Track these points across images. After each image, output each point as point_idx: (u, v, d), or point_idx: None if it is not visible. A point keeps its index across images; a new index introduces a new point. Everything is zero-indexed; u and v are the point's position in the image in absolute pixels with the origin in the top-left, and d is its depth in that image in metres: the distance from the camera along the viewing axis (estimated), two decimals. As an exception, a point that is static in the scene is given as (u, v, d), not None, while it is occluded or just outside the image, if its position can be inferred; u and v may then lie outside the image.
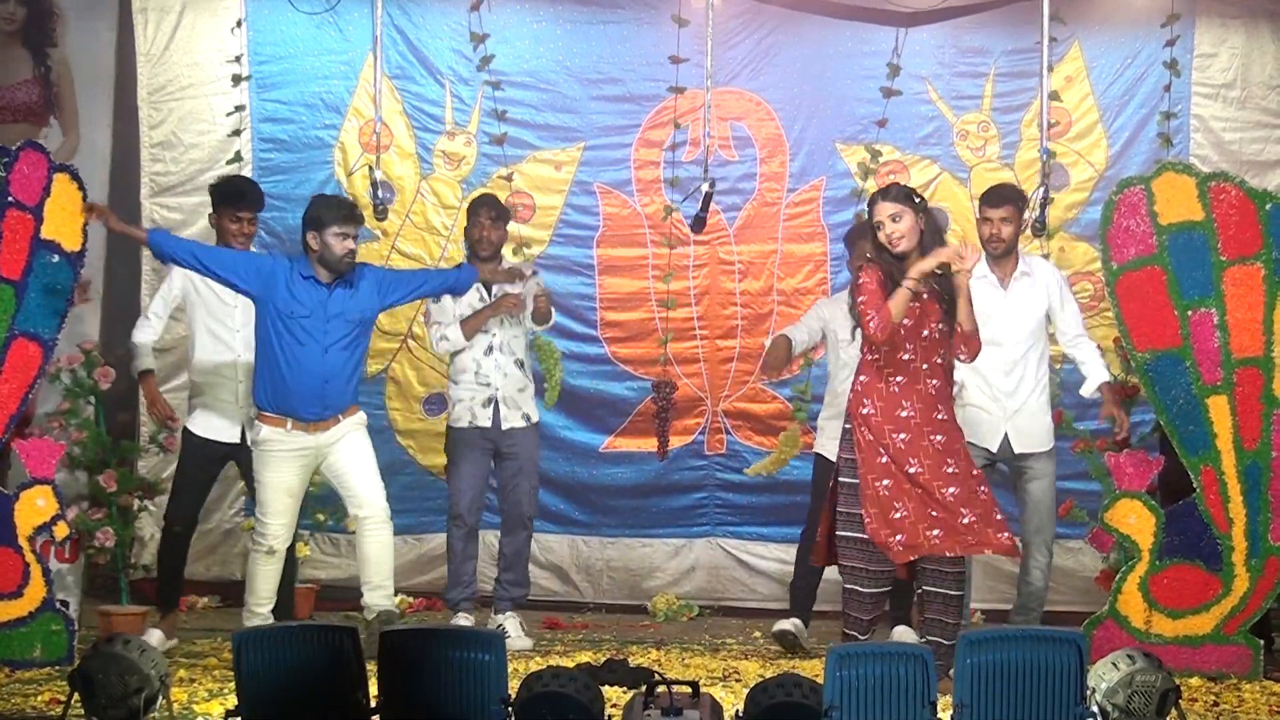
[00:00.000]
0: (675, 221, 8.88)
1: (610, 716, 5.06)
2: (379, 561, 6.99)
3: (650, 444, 8.80)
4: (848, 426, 6.43)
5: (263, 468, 6.89)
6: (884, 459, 6.30)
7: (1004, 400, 7.18)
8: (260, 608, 6.94)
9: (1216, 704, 6.35)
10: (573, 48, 8.97)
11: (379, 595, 6.98)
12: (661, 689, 4.90)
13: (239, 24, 8.68)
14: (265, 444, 6.87)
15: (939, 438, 6.33)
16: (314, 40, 8.84)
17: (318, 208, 6.88)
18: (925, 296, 6.31)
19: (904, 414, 6.32)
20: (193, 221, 8.70)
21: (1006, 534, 6.32)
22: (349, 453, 6.94)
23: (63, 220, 6.83)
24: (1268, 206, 6.87)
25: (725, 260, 8.93)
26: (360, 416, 7.02)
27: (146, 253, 8.66)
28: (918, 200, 6.37)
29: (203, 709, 5.84)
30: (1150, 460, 7.04)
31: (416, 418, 8.90)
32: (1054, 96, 8.43)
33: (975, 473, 6.39)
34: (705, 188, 7.72)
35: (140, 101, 8.66)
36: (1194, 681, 6.66)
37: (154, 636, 7.00)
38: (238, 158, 8.68)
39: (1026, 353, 7.21)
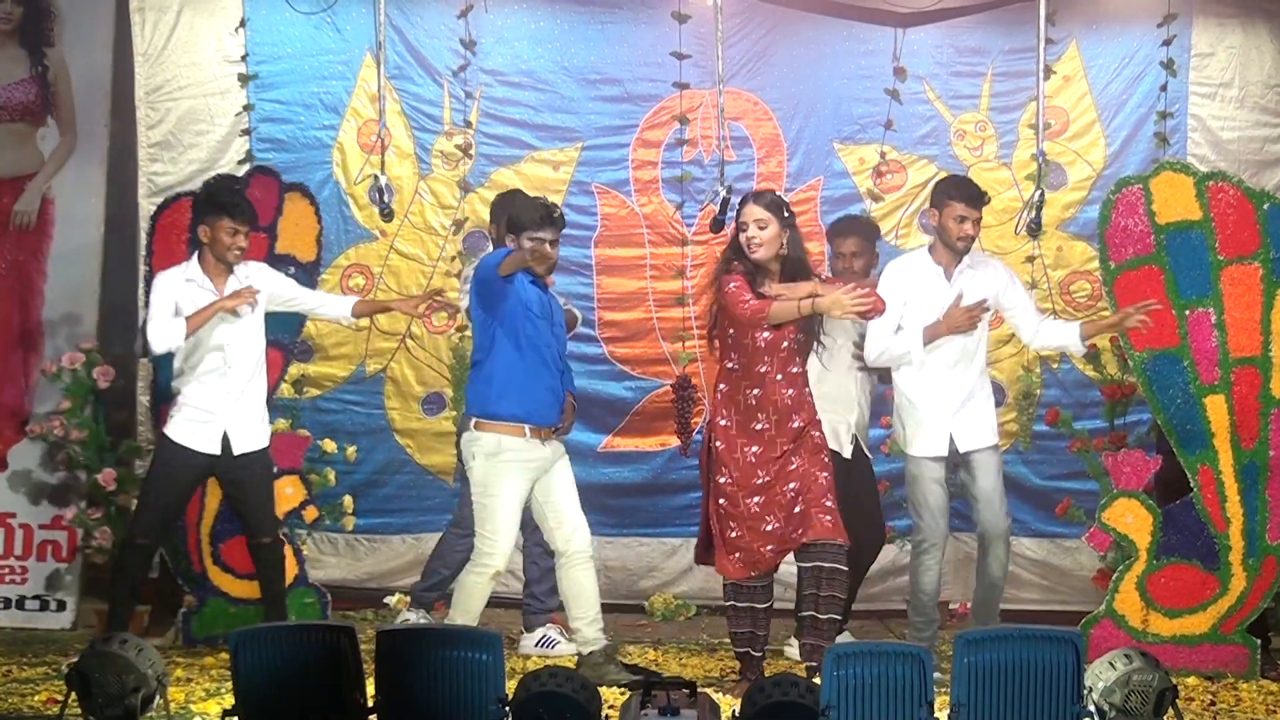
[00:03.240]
0: (673, 220, 8.89)
1: (607, 716, 5.06)
2: (590, 597, 6.71)
3: (647, 443, 8.82)
4: (720, 447, 6.44)
5: (497, 479, 6.54)
6: (725, 479, 6.38)
7: (949, 395, 6.96)
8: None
9: (1213, 703, 6.35)
10: (571, 48, 8.97)
11: (594, 629, 6.72)
12: (658, 689, 4.90)
13: (241, 24, 8.64)
14: (503, 454, 6.54)
15: (789, 445, 6.40)
16: (312, 40, 8.83)
17: (516, 209, 6.72)
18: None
19: (759, 426, 6.40)
20: (189, 221, 8.70)
21: (829, 517, 6.33)
22: (563, 478, 6.68)
23: (296, 235, 7.48)
24: (1265, 206, 6.88)
25: (723, 260, 8.91)
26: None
27: (144, 252, 8.65)
28: (787, 215, 6.46)
29: (200, 708, 5.85)
30: (1147, 460, 7.04)
31: (415, 417, 8.89)
32: (1050, 96, 8.44)
33: (825, 460, 6.43)
34: (723, 193, 7.68)
35: (138, 101, 8.64)
36: (1191, 681, 6.67)
37: None
38: (249, 158, 8.64)
39: (973, 346, 7.01)
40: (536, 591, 7.57)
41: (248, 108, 8.69)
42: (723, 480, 6.39)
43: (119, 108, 8.58)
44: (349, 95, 8.84)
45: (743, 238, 6.41)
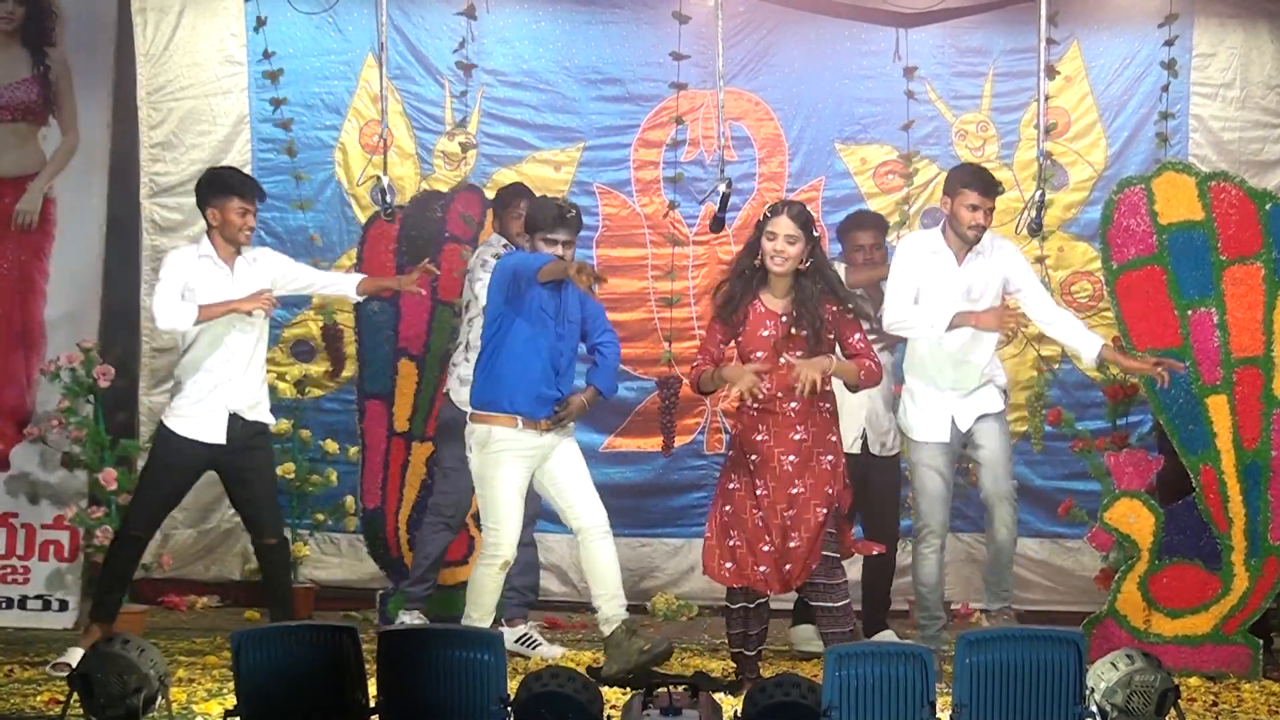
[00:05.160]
0: (674, 221, 8.88)
1: (609, 717, 5.06)
2: (609, 573, 6.75)
3: (649, 443, 8.80)
4: (732, 454, 6.44)
5: (493, 469, 6.60)
6: (734, 484, 6.38)
7: (955, 382, 6.91)
8: (484, 623, 6.63)
9: (1215, 704, 6.35)
10: (572, 48, 8.97)
11: (614, 605, 6.71)
12: (660, 689, 4.90)
13: (260, 22, 8.56)
14: (496, 444, 6.60)
15: (792, 458, 6.36)
16: (313, 41, 8.83)
17: (532, 210, 6.75)
18: (788, 326, 6.35)
19: (797, 437, 6.36)
20: (192, 222, 8.66)
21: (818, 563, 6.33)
22: (567, 460, 6.74)
23: None
24: (1268, 206, 6.88)
25: (725, 260, 8.89)
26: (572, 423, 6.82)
27: (145, 252, 8.67)
28: (815, 234, 6.40)
29: (202, 709, 5.85)
30: (1149, 459, 7.04)
31: (416, 417, 8.89)
32: (1051, 97, 8.43)
33: (828, 492, 6.38)
34: (722, 188, 7.59)
35: (139, 101, 8.64)
36: (1193, 681, 6.66)
37: (78, 655, 6.11)
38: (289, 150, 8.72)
39: (980, 333, 6.90)
40: (517, 584, 7.51)
41: (278, 103, 8.67)
42: (732, 485, 6.39)
43: (121, 108, 8.58)
44: (350, 95, 8.85)
45: (769, 248, 6.33)
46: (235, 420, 6.85)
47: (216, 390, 6.82)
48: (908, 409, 7.04)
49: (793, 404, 6.34)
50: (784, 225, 6.32)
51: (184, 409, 6.83)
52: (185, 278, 6.76)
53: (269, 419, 7.07)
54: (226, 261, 6.85)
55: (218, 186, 6.88)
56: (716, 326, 6.49)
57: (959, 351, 6.88)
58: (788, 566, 6.31)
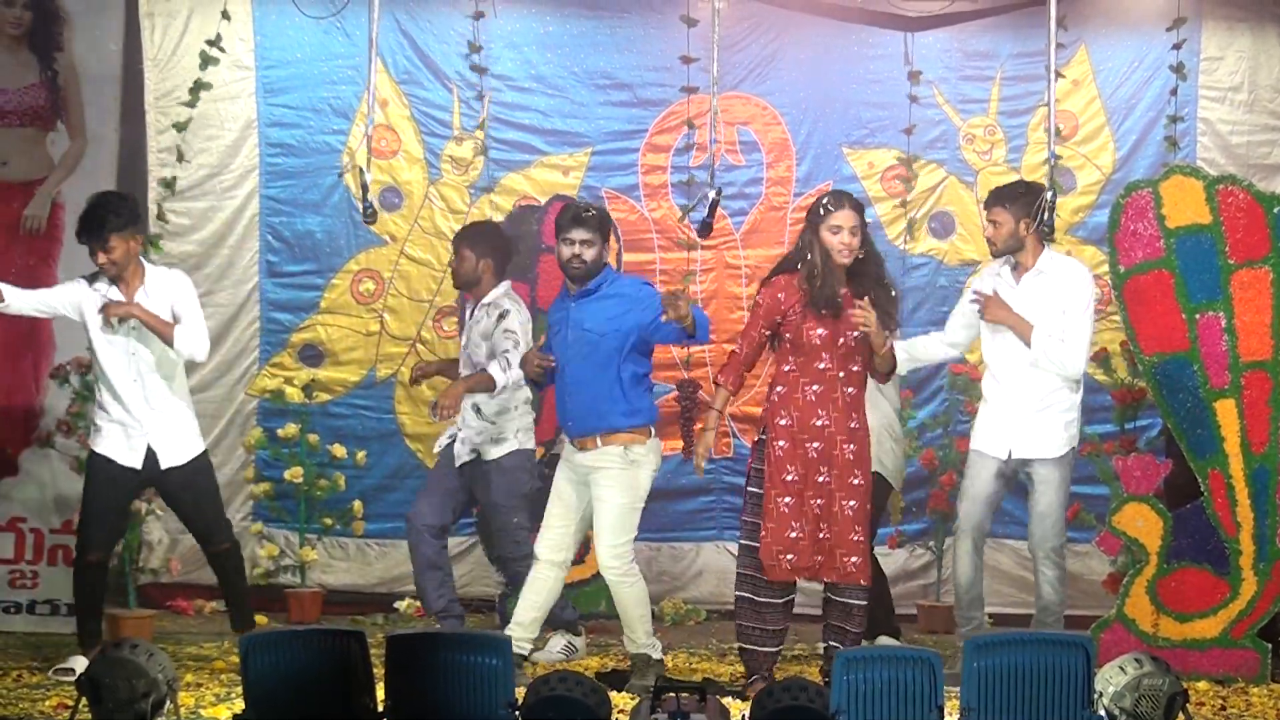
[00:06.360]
0: (683, 226, 8.88)
1: (617, 720, 5.06)
2: (623, 614, 6.74)
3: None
4: (762, 438, 6.48)
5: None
6: (791, 476, 6.36)
7: (1013, 400, 6.89)
8: (521, 615, 6.73)
9: (1224, 708, 6.34)
10: (580, 53, 8.97)
11: (633, 647, 6.76)
12: (668, 693, 4.90)
13: (224, 15, 8.54)
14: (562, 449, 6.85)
15: (851, 447, 6.40)
16: (321, 45, 8.83)
17: (557, 214, 6.84)
18: (842, 305, 6.38)
19: (819, 423, 6.38)
20: (201, 226, 8.71)
21: (856, 558, 6.38)
22: (598, 493, 6.62)
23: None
24: (1276, 210, 6.88)
25: (732, 265, 8.93)
26: (623, 453, 6.55)
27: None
28: (865, 221, 6.52)
29: (210, 713, 5.85)
30: (1157, 464, 7.03)
31: (425, 421, 8.86)
32: (1059, 100, 8.42)
33: (853, 483, 6.42)
34: (712, 194, 7.63)
35: (148, 106, 8.64)
36: (1201, 685, 6.66)
37: (79, 662, 6.45)
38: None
39: (1038, 365, 6.88)
40: (499, 609, 7.62)
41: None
42: (789, 478, 6.37)
43: (129, 112, 8.59)
44: (358, 100, 8.83)
45: (838, 242, 6.37)
46: (152, 456, 6.76)
47: (128, 416, 6.74)
48: (979, 415, 7.12)
49: (850, 389, 6.40)
50: (848, 217, 6.41)
51: (104, 428, 6.78)
52: (69, 299, 6.71)
53: (195, 452, 6.90)
54: (122, 288, 6.71)
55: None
56: (760, 315, 6.47)
57: (1009, 375, 6.91)
58: (854, 559, 6.33)
